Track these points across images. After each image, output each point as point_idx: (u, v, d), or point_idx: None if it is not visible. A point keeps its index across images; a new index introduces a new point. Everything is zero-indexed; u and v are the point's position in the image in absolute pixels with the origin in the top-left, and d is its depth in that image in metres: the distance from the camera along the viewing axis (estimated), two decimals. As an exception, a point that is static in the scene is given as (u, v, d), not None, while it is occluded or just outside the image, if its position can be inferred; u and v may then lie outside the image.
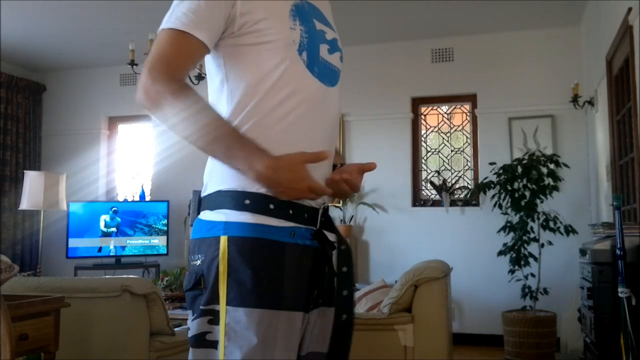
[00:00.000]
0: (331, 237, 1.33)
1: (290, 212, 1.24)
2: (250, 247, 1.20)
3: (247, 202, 1.22)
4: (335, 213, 5.44)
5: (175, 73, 1.20)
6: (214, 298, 1.19)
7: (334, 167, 1.42)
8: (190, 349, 1.23)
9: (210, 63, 1.33)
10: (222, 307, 1.19)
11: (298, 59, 1.27)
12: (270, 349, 1.17)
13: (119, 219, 5.70)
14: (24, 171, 5.46)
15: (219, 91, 1.30)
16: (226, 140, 1.19)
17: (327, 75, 1.34)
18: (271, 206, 1.22)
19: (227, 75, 1.29)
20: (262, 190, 1.22)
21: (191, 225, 1.32)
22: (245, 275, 1.18)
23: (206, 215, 1.26)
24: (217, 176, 1.26)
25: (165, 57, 1.21)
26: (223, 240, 1.20)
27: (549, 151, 5.05)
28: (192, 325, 1.22)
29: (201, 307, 1.21)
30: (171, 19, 1.23)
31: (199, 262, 1.24)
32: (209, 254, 1.22)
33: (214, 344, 1.19)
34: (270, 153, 1.19)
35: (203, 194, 1.29)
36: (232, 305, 1.18)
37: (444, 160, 5.69)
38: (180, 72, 1.22)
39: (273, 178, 1.18)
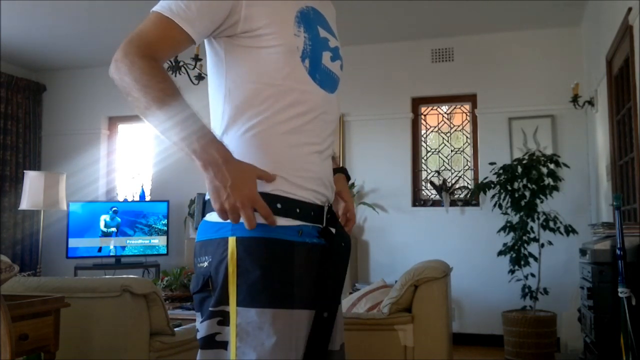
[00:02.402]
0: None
1: (297, 210, 1.25)
2: (259, 247, 1.19)
3: None
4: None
5: (150, 52, 1.19)
6: (224, 299, 1.19)
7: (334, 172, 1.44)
8: (199, 350, 1.23)
9: (211, 59, 1.33)
10: (232, 308, 1.18)
11: (300, 65, 1.28)
12: (284, 348, 1.17)
13: (119, 219, 5.69)
14: (24, 171, 5.46)
15: (219, 93, 1.31)
16: (185, 121, 1.15)
17: (328, 82, 1.35)
18: (278, 205, 1.22)
19: (227, 77, 1.29)
20: (269, 190, 1.22)
21: (196, 229, 1.32)
22: (255, 276, 1.18)
23: (213, 216, 1.25)
24: None
25: (145, 36, 1.21)
26: (231, 240, 1.20)
27: (549, 151, 5.05)
28: (201, 327, 1.22)
29: (210, 309, 1.20)
30: (164, 4, 1.23)
31: (206, 264, 1.23)
32: (217, 255, 1.21)
33: (223, 345, 1.19)
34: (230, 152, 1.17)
35: (208, 197, 1.29)
36: (243, 305, 1.18)
37: (444, 160, 5.69)
38: (156, 53, 1.20)
39: (222, 169, 1.13)
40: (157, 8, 1.24)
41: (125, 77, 1.18)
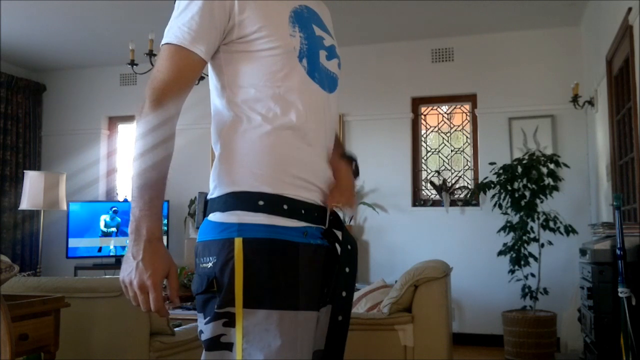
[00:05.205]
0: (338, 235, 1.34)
1: (302, 212, 1.25)
2: (265, 249, 1.19)
3: (261, 203, 1.21)
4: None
5: (163, 94, 1.20)
6: (229, 300, 1.18)
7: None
8: (204, 352, 1.22)
9: (210, 67, 1.33)
10: (238, 309, 1.18)
11: (299, 65, 1.28)
12: (291, 350, 1.18)
13: (119, 219, 5.69)
14: (24, 171, 5.46)
15: (220, 97, 1.31)
16: (145, 185, 1.19)
17: (327, 81, 1.35)
18: (285, 207, 1.22)
19: (227, 81, 1.29)
20: (275, 190, 1.22)
21: (197, 228, 1.32)
22: (262, 277, 1.18)
23: (216, 217, 1.25)
24: (228, 178, 1.26)
25: (160, 76, 1.22)
26: (238, 242, 1.20)
27: (549, 151, 5.05)
28: (206, 329, 1.21)
29: (216, 310, 1.19)
30: (169, 34, 1.24)
31: (210, 264, 1.22)
32: (222, 256, 1.20)
33: (228, 346, 1.19)
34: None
35: (211, 196, 1.28)
36: (250, 307, 1.18)
37: (444, 160, 5.69)
38: (171, 94, 1.21)
39: (141, 244, 1.17)
40: (164, 40, 1.25)
41: (138, 115, 1.23)
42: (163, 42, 1.25)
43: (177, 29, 1.23)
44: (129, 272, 1.17)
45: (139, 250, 1.17)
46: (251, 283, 1.18)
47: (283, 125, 1.26)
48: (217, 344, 1.20)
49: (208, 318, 1.21)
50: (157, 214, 1.19)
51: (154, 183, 1.19)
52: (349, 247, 1.32)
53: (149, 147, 1.20)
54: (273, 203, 1.21)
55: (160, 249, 1.19)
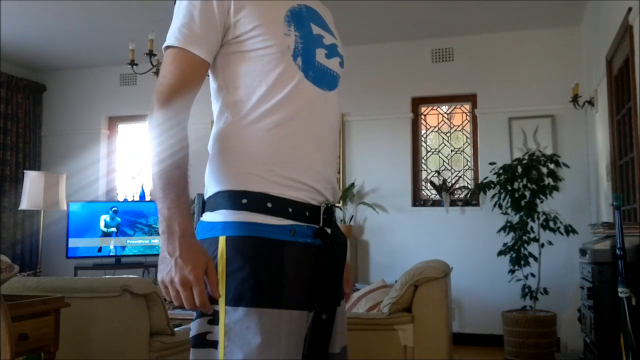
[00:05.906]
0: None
1: (290, 210, 1.24)
2: (247, 247, 1.20)
3: (245, 201, 1.22)
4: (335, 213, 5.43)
5: (170, 98, 1.21)
6: (213, 298, 1.20)
7: None
8: (191, 349, 1.23)
9: (210, 70, 1.34)
10: (221, 307, 1.19)
11: (293, 64, 1.28)
12: (271, 348, 1.17)
13: (119, 219, 5.69)
14: (24, 171, 5.46)
15: (216, 98, 1.32)
16: (167, 185, 1.18)
17: (325, 79, 1.34)
18: (269, 204, 1.22)
19: (223, 81, 1.30)
20: (259, 189, 1.23)
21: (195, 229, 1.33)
22: (243, 275, 1.18)
23: (207, 216, 1.27)
24: (216, 178, 1.27)
25: (166, 81, 1.23)
26: (221, 240, 1.21)
27: (549, 151, 5.05)
28: (193, 326, 1.22)
29: None
30: (170, 36, 1.25)
31: None
32: (209, 254, 1.22)
33: (214, 344, 1.19)
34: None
35: (205, 197, 1.30)
36: (231, 305, 1.18)
37: (444, 160, 5.69)
38: (177, 97, 1.22)
39: (176, 242, 1.15)
40: (166, 42, 1.26)
41: (148, 121, 1.23)
42: (165, 44, 1.26)
43: (177, 31, 1.24)
44: (168, 270, 1.14)
45: (175, 247, 1.14)
46: (233, 281, 1.19)
47: (271, 124, 1.26)
48: (203, 341, 1.20)
49: (195, 315, 1.22)
50: (186, 210, 1.18)
51: (176, 181, 1.18)
52: (336, 245, 1.32)
53: (164, 146, 1.19)
54: (256, 201, 1.22)
55: (196, 243, 1.17)
